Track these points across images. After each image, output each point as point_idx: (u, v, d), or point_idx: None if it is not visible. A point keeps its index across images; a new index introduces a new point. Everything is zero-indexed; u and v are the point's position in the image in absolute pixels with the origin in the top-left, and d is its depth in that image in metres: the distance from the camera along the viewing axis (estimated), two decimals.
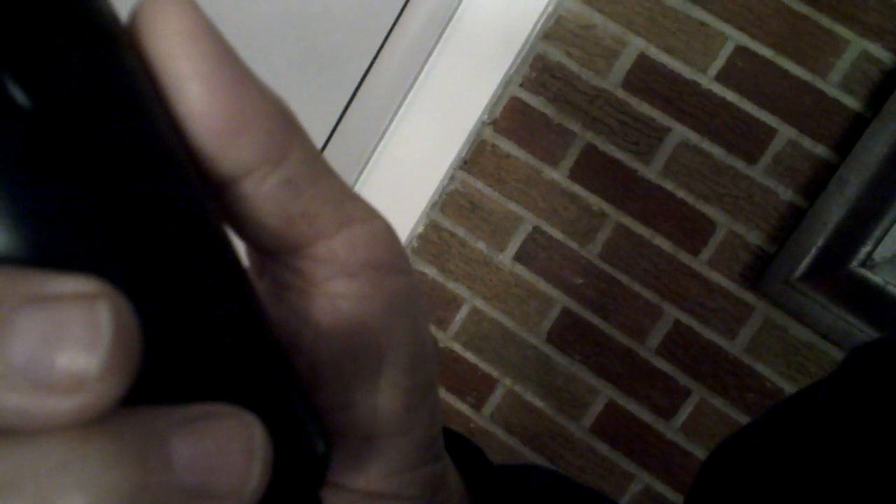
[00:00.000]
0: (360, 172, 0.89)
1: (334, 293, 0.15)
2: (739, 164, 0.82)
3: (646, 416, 0.86)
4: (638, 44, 0.83)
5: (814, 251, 0.79)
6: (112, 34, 0.12)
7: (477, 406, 0.90)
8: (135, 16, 0.13)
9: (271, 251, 0.15)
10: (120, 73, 0.12)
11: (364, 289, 0.15)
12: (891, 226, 0.77)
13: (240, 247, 0.15)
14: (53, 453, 0.09)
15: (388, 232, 0.16)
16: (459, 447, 0.24)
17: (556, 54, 0.85)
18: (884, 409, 0.24)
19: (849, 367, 0.27)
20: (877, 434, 0.23)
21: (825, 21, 0.79)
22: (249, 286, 0.14)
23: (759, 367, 0.83)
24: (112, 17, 0.12)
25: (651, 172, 0.84)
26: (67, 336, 0.09)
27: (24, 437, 0.09)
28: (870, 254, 0.78)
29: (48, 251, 0.11)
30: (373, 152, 0.89)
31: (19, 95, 0.10)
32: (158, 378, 0.12)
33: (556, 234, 0.87)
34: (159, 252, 0.12)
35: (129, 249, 0.11)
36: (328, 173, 0.15)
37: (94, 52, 0.11)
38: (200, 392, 0.12)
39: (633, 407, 0.86)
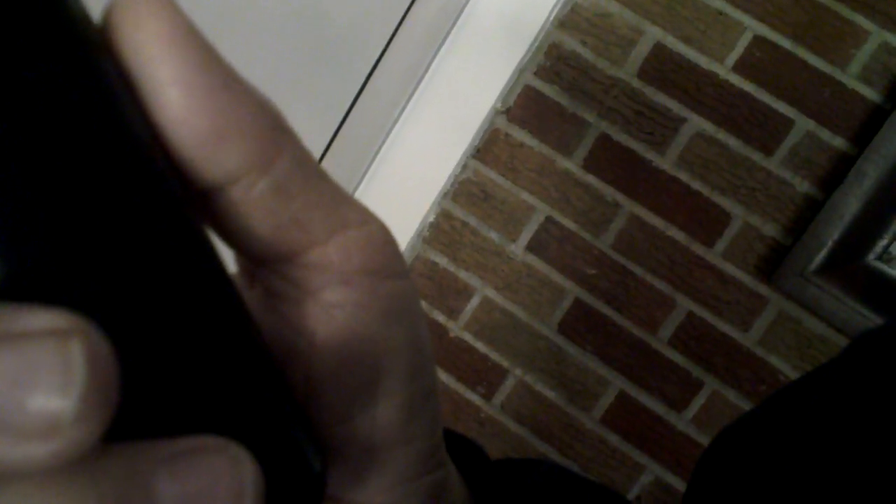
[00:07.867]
0: (372, 161, 0.89)
1: (329, 302, 0.15)
2: (756, 156, 0.82)
3: (657, 407, 0.86)
4: (654, 33, 0.83)
5: (830, 244, 0.78)
6: (84, 37, 0.11)
7: (487, 396, 0.90)
8: (108, 16, 0.12)
9: (262, 259, 0.15)
10: (93, 81, 0.11)
11: (360, 296, 0.15)
12: None
13: (228, 256, 0.14)
14: (30, 500, 0.09)
15: (384, 235, 0.15)
16: (460, 447, 0.24)
17: (570, 43, 0.85)
18: (887, 397, 0.23)
19: (852, 355, 0.27)
20: (880, 422, 0.23)
21: (845, 12, 0.78)
22: (237, 298, 0.13)
23: (773, 360, 0.83)
24: (84, 18, 0.11)
25: (666, 163, 0.84)
26: (39, 378, 0.08)
27: None
28: (887, 247, 0.77)
29: (15, 278, 0.10)
30: (384, 141, 0.88)
31: None
32: (140, 408, 0.11)
33: (569, 224, 0.86)
34: (137, 270, 0.11)
35: (105, 270, 0.11)
36: (320, 177, 0.14)
37: (65, 58, 0.11)
38: (187, 419, 0.12)
39: (644, 398, 0.86)
